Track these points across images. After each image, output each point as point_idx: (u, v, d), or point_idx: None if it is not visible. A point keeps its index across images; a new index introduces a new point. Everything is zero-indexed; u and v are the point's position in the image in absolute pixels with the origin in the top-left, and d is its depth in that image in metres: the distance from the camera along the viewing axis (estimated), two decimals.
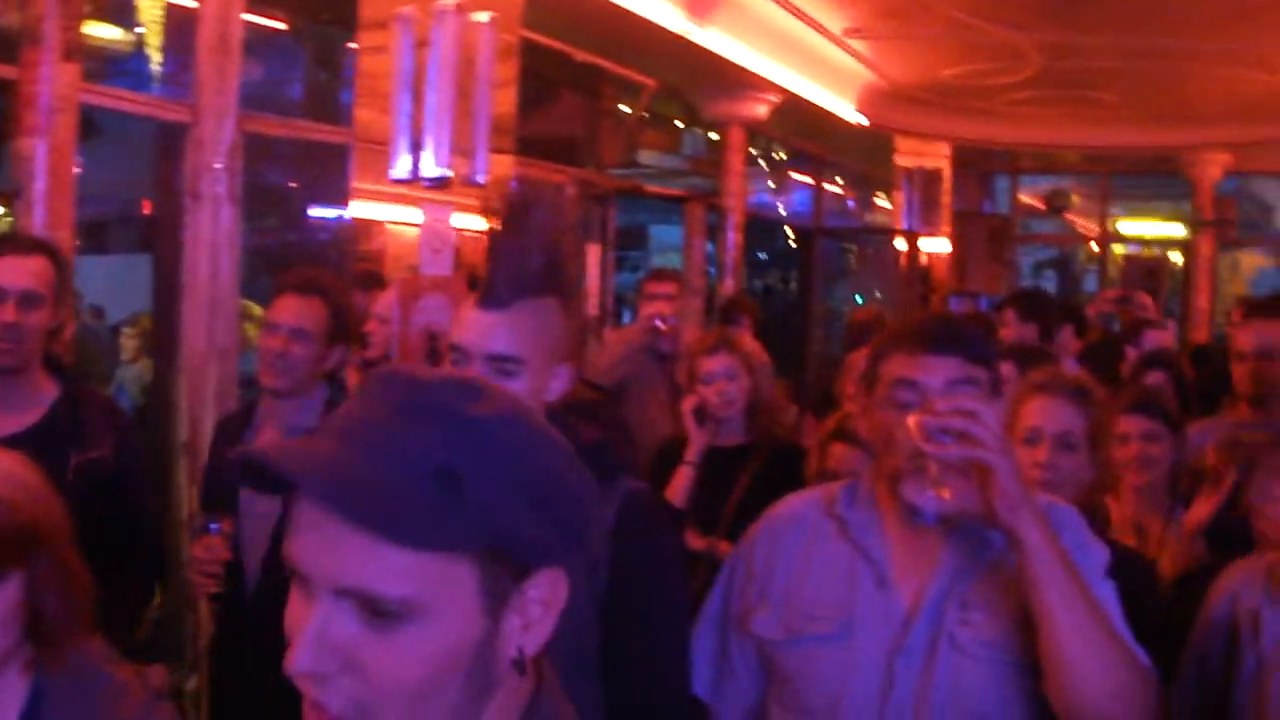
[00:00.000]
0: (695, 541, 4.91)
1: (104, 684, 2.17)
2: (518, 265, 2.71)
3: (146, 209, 9.22)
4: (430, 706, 1.27)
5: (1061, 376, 3.63)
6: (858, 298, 15.21)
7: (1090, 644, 2.27)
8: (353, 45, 6.74)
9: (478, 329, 2.71)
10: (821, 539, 2.68)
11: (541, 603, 1.31)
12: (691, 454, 5.15)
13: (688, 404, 5.21)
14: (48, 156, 5.10)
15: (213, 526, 3.59)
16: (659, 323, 5.67)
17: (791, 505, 2.82)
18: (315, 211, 10.22)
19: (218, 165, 6.07)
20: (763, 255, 17.65)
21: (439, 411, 1.27)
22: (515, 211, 2.77)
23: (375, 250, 6.63)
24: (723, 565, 2.90)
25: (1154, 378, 6.23)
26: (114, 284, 11.05)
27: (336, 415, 1.33)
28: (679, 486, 5.13)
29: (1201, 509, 4.13)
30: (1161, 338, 8.34)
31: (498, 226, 2.79)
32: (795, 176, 15.50)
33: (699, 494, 5.10)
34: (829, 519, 2.69)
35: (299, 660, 1.23)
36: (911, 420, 2.30)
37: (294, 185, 10.55)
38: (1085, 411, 3.52)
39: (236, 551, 3.67)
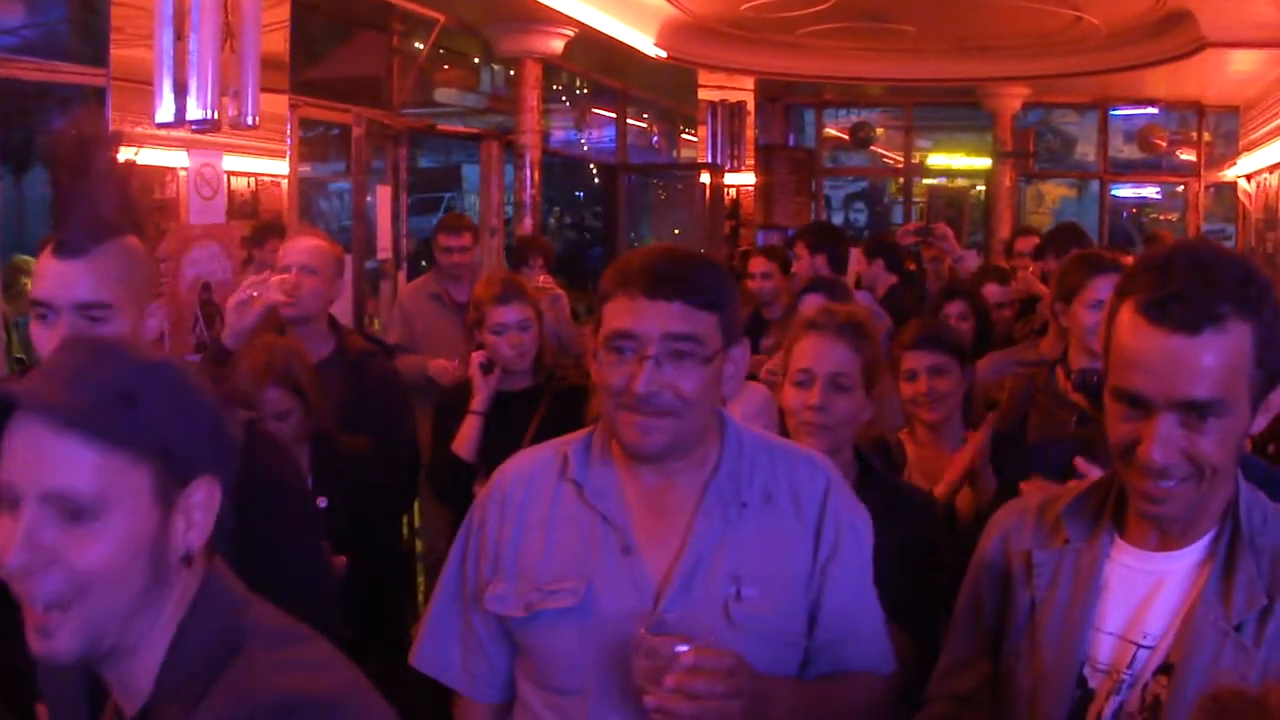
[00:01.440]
0: None
1: None
2: (88, 210, 2.60)
3: None
4: (121, 589, 1.58)
5: (833, 313, 3.48)
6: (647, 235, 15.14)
7: None
8: None
9: (59, 280, 2.61)
10: (557, 502, 2.51)
11: (200, 506, 1.67)
12: (478, 403, 4.98)
13: (475, 358, 5.03)
14: None
15: None
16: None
17: (520, 467, 2.63)
18: None
19: None
20: (579, 194, 17.54)
21: (120, 355, 1.65)
22: (75, 156, 2.65)
23: (170, 199, 6.35)
24: (455, 539, 2.70)
25: (954, 307, 6.22)
26: None
27: (43, 365, 1.74)
28: (466, 437, 4.97)
29: (973, 443, 4.09)
30: (972, 259, 8.41)
31: (60, 175, 2.67)
32: (598, 113, 15.35)
33: (487, 443, 4.94)
34: (565, 482, 2.52)
35: (13, 559, 1.53)
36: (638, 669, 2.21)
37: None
38: (859, 348, 3.40)
39: None
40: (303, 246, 4.94)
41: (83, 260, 2.60)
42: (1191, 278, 1.99)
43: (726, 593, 2.39)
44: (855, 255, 8.42)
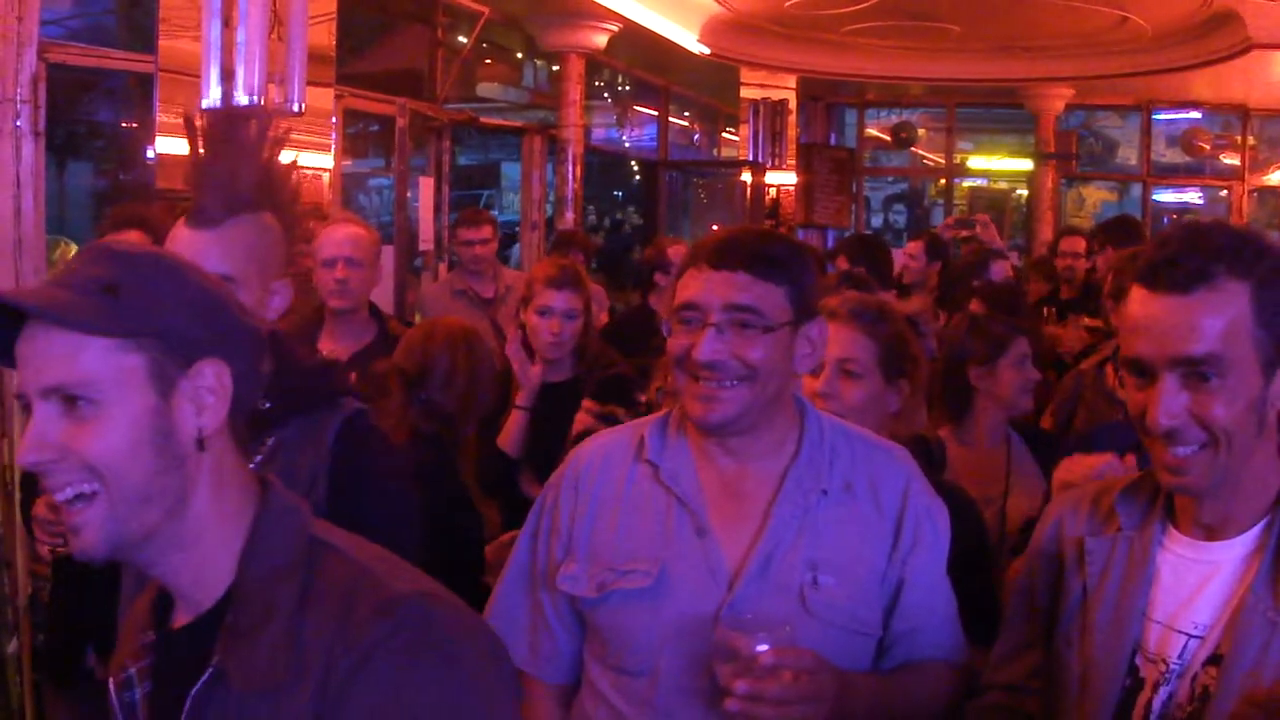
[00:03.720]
0: (533, 489, 4.55)
1: None
2: (226, 184, 2.62)
3: None
4: (132, 474, 1.62)
5: (848, 300, 3.40)
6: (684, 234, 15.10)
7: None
8: None
9: (188, 248, 2.61)
10: (632, 483, 2.51)
11: (207, 389, 1.69)
12: (523, 398, 4.93)
13: (515, 336, 4.99)
14: None
15: None
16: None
17: (597, 448, 2.63)
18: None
19: (18, 97, 5.73)
20: (618, 194, 17.52)
21: (109, 253, 1.70)
22: (219, 131, 2.68)
23: None
24: (526, 520, 2.70)
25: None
26: None
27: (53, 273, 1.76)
28: (511, 432, 4.91)
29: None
30: (1005, 268, 8.33)
31: (204, 146, 2.70)
32: (639, 110, 15.33)
33: (533, 438, 4.90)
34: (640, 463, 2.52)
35: (25, 456, 1.61)
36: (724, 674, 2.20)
37: (131, 125, 10.24)
38: (875, 335, 3.30)
39: None
40: (343, 237, 4.93)
41: (214, 231, 2.65)
42: (1184, 243, 2.05)
43: (803, 580, 2.39)
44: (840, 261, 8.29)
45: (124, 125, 10.58)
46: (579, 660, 2.59)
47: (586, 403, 4.32)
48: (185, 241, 2.66)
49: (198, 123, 2.73)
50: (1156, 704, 2.12)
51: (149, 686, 1.76)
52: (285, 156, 2.80)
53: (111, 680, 1.79)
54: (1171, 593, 2.18)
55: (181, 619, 1.75)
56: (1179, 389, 2.04)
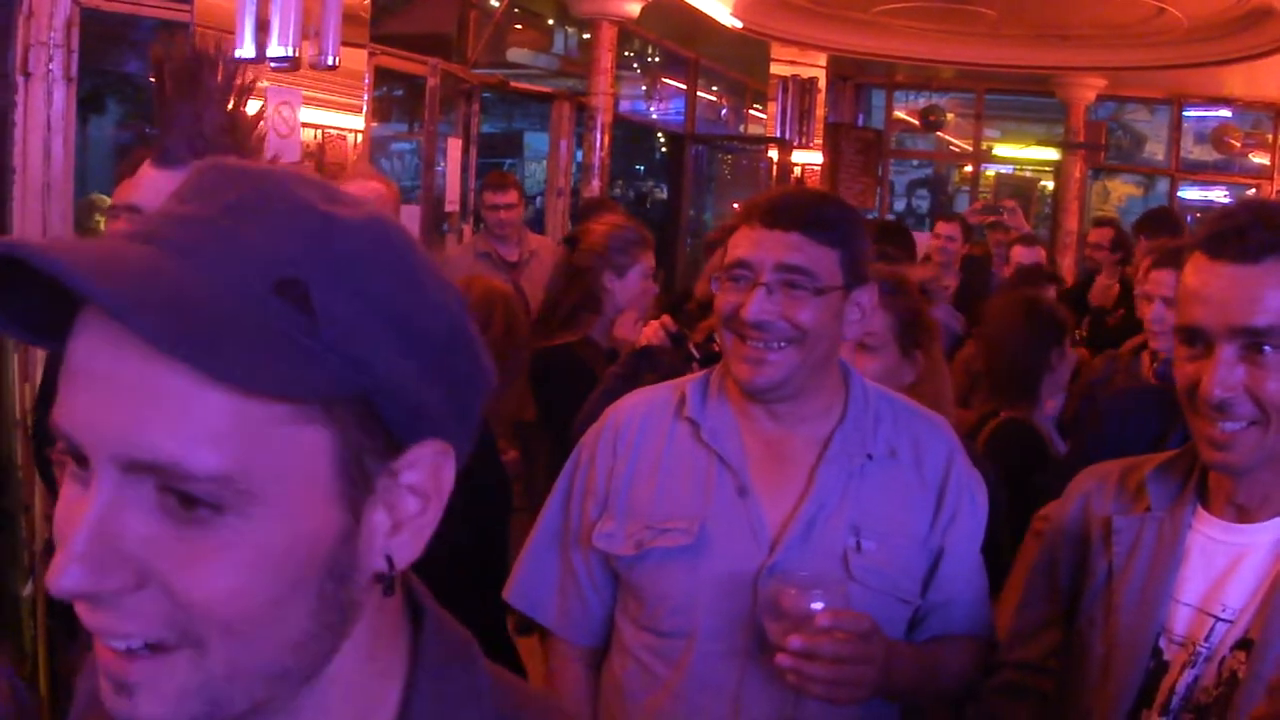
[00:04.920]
0: None
1: None
2: (192, 124, 2.61)
3: None
4: (267, 632, 0.91)
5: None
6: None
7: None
8: None
9: (152, 187, 2.61)
10: (672, 441, 2.48)
11: (420, 492, 0.97)
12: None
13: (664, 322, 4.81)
14: None
15: None
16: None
17: (635, 404, 2.60)
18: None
19: (51, 41, 5.72)
20: (638, 168, 17.47)
21: (284, 208, 0.92)
22: (187, 70, 2.66)
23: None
24: (558, 477, 2.66)
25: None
26: None
27: (148, 217, 0.96)
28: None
29: None
30: (1033, 254, 8.28)
31: (169, 86, 2.69)
32: (668, 83, 15.28)
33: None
34: (681, 421, 2.49)
35: (68, 573, 0.87)
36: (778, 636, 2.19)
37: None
38: (891, 306, 3.29)
39: None
40: (360, 191, 4.86)
41: (179, 171, 2.59)
42: (1252, 215, 2.02)
43: (846, 544, 2.37)
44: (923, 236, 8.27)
45: (149, 79, 10.56)
46: (608, 623, 2.57)
47: (665, 318, 4.25)
48: (149, 180, 2.65)
49: (165, 64, 2.70)
50: (1181, 687, 2.10)
51: None
52: (252, 106, 2.77)
53: None
54: (1201, 574, 2.15)
55: None
56: (1236, 360, 2.00)
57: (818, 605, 2.15)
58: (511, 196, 7.36)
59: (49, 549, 4.29)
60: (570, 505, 2.59)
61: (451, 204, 9.39)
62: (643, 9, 10.99)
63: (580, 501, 2.55)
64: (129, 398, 0.86)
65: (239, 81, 2.71)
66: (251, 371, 0.86)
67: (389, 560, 0.97)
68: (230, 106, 2.68)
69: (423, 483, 0.97)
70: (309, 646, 0.95)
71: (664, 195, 15.81)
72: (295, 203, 0.92)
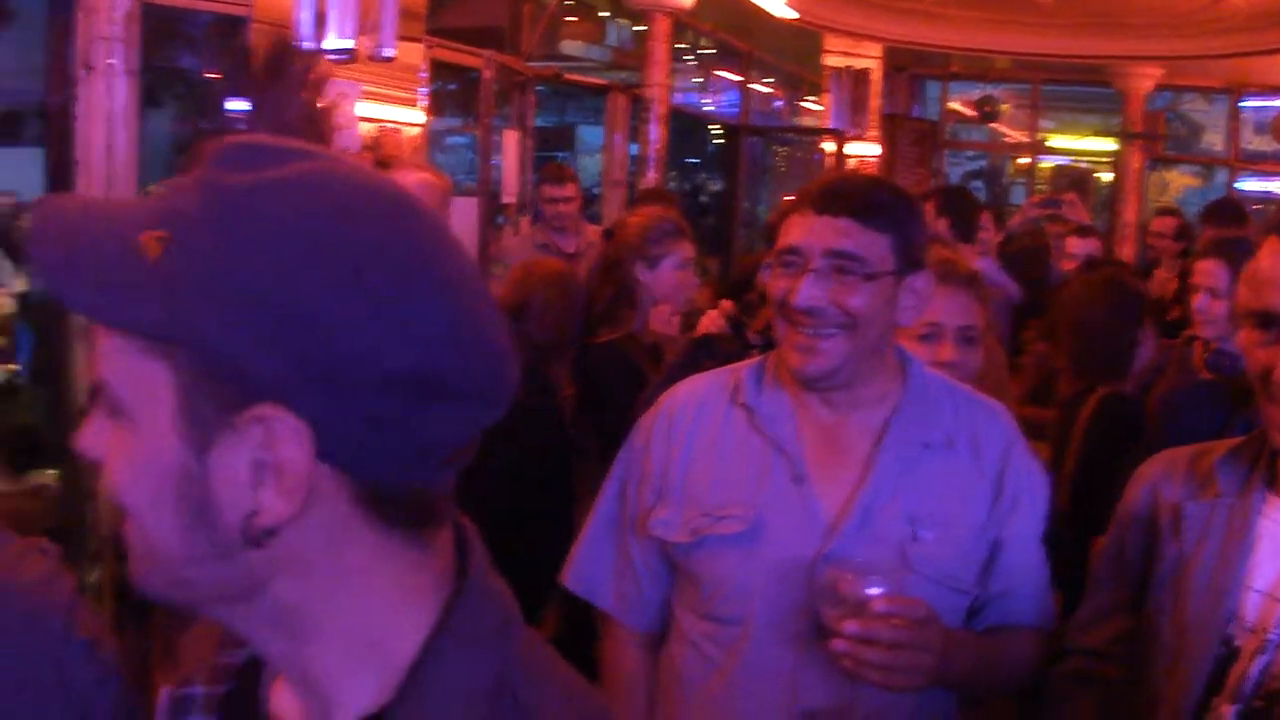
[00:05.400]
0: None
1: (5, 545, 1.94)
2: (275, 113, 2.62)
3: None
4: (155, 525, 1.07)
5: (954, 263, 3.34)
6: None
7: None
8: None
9: None
10: (727, 427, 2.47)
11: (262, 447, 1.03)
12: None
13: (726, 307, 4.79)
14: None
15: None
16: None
17: (691, 391, 2.58)
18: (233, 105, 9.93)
19: (112, 35, 5.77)
20: (692, 161, 17.46)
21: (197, 171, 1.06)
22: (273, 62, 2.68)
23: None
24: (613, 464, 2.67)
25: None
26: (18, 175, 10.71)
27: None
28: None
29: None
30: (1087, 245, 8.21)
31: (256, 75, 2.70)
32: (720, 74, 15.27)
33: None
34: (736, 407, 2.48)
35: (77, 438, 1.11)
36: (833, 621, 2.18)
37: (212, 74, 10.27)
38: (981, 299, 3.30)
39: None
40: (412, 182, 4.85)
41: None
42: None
43: (903, 533, 2.36)
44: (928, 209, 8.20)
45: (204, 74, 10.64)
46: (665, 608, 2.58)
47: (725, 303, 4.24)
48: None
49: (253, 56, 2.70)
50: (1253, 673, 2.08)
51: None
52: (325, 98, 2.79)
53: (168, 691, 1.32)
54: (1271, 560, 2.13)
55: (287, 696, 1.21)
56: None
57: (875, 591, 2.14)
58: (569, 189, 7.42)
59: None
60: (626, 492, 2.59)
61: (509, 196, 9.43)
62: (696, 0, 11.00)
63: (636, 488, 2.56)
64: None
65: (314, 75, 2.73)
66: (92, 307, 1.03)
67: (252, 513, 1.04)
68: (310, 97, 2.70)
69: (261, 442, 1.03)
70: (199, 565, 1.07)
71: (718, 187, 15.80)
72: (208, 175, 1.06)
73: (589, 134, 17.31)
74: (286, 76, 2.64)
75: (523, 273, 4.64)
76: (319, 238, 1.02)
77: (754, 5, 11.94)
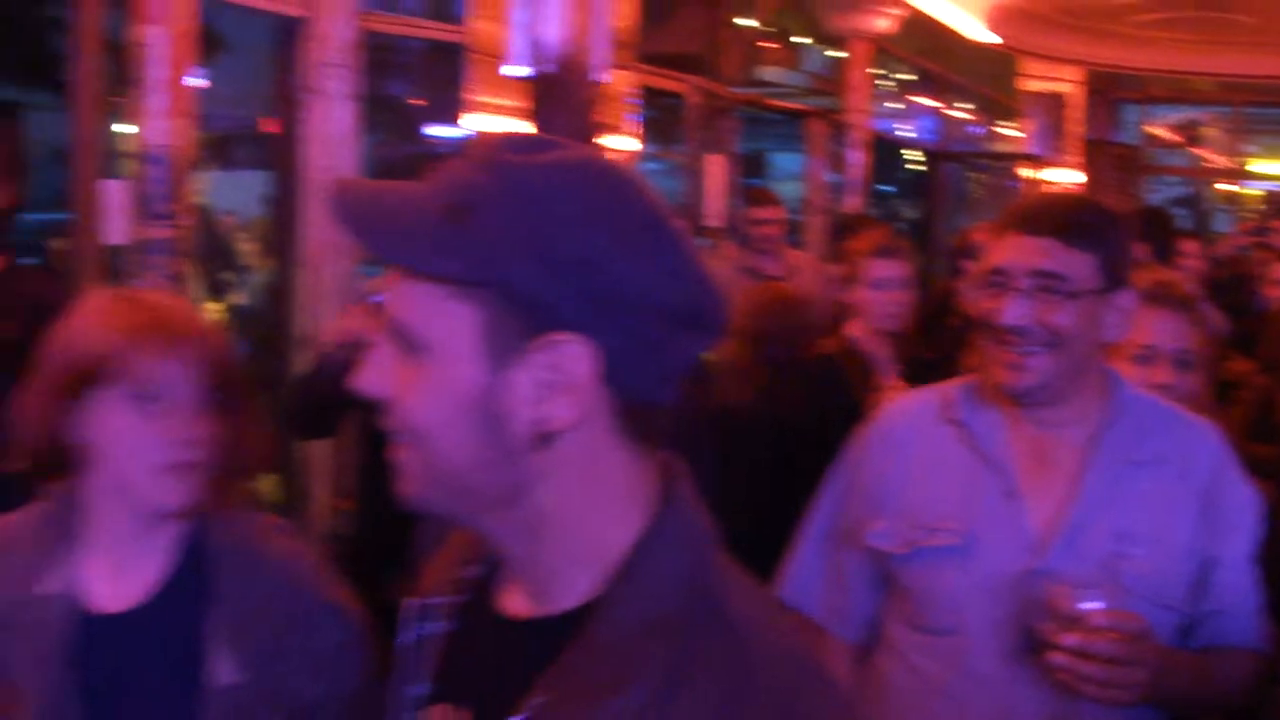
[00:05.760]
0: None
1: (258, 522, 2.22)
2: (564, 130, 2.69)
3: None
4: (450, 443, 1.30)
5: (1171, 286, 3.31)
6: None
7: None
8: None
9: None
10: (939, 443, 2.53)
11: (552, 367, 1.27)
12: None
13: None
14: (168, 45, 5.08)
15: None
16: None
17: (904, 409, 2.68)
18: (435, 130, 10.20)
19: (336, 61, 5.99)
20: (887, 188, 17.40)
21: (482, 156, 1.31)
22: (560, 84, 2.78)
23: None
24: (827, 478, 2.75)
25: None
26: (238, 196, 11.09)
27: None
28: None
29: None
30: None
31: (541, 91, 2.81)
32: (915, 100, 15.20)
33: None
34: (947, 424, 2.54)
35: (359, 379, 1.34)
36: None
37: (417, 101, 10.55)
38: (1198, 324, 3.26)
39: None
40: None
41: None
42: None
43: (1111, 549, 2.38)
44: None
45: (409, 100, 10.91)
46: (872, 620, 2.63)
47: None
48: None
49: (539, 82, 2.81)
50: None
51: (448, 627, 1.48)
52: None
53: (414, 602, 1.53)
54: None
55: (515, 597, 1.41)
56: None
57: (1092, 605, 2.16)
58: (774, 212, 7.45)
59: (333, 539, 4.49)
60: (840, 505, 2.67)
61: (714, 220, 9.50)
62: (896, 25, 11.00)
63: (851, 501, 2.63)
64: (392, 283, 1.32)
65: (588, 96, 2.84)
66: (409, 259, 1.28)
67: (540, 420, 1.28)
68: (589, 113, 2.80)
69: (555, 361, 1.26)
70: (483, 472, 1.31)
71: (914, 213, 15.72)
72: (493, 153, 1.31)
73: (782, 160, 17.34)
74: (572, 98, 2.76)
75: (761, 296, 4.86)
76: (593, 201, 1.28)
77: (952, 30, 11.91)
